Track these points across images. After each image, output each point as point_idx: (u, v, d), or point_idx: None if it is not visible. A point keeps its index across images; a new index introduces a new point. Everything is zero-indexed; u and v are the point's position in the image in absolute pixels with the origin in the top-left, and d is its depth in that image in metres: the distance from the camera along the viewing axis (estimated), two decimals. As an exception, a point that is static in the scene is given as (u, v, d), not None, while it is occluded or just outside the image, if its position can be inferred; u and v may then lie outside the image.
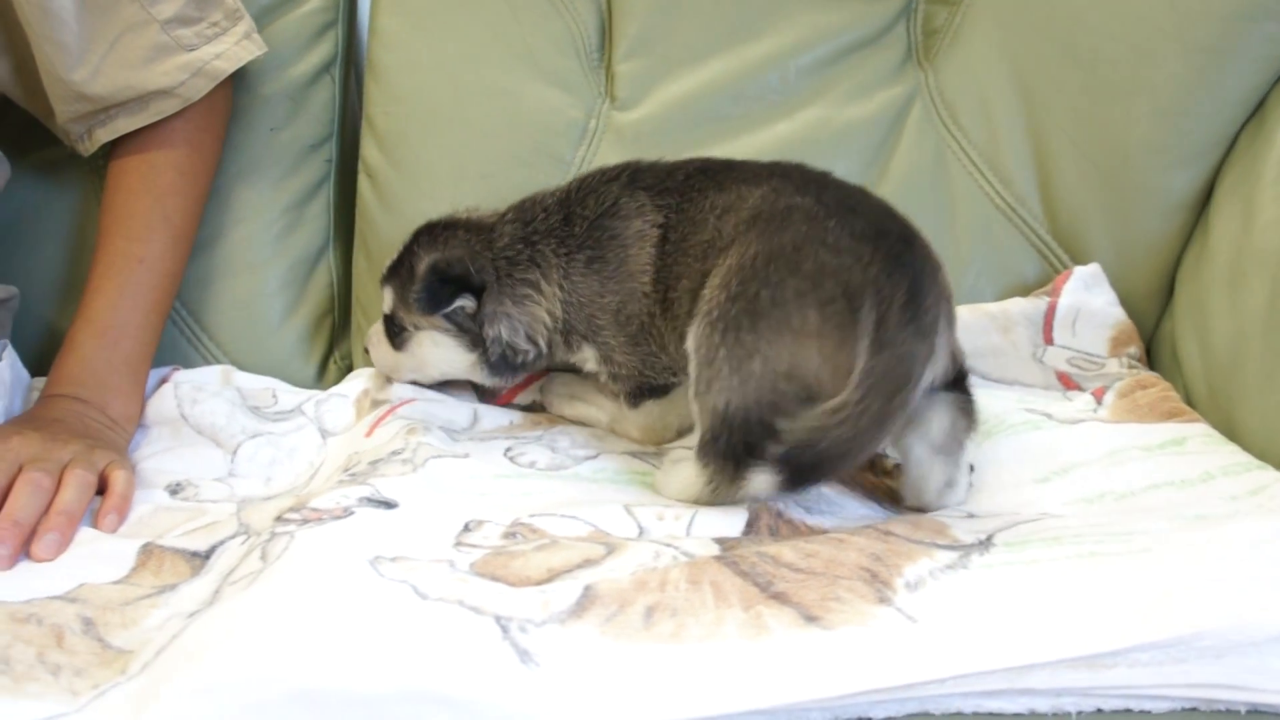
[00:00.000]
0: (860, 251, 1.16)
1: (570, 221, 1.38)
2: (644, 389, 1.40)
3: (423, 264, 1.39)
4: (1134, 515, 1.14)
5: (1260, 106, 1.48)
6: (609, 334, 1.37)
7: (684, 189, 1.35)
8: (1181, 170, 1.51)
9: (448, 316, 1.40)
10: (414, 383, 1.52)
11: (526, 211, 1.42)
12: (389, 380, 1.54)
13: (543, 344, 1.40)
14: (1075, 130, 1.55)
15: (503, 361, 1.42)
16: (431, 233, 1.44)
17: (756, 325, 1.15)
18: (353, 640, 0.93)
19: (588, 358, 1.41)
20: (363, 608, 0.98)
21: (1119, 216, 1.54)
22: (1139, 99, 1.51)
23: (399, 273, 1.44)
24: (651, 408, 1.42)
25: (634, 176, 1.39)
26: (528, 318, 1.39)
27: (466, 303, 1.39)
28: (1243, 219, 1.41)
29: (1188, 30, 1.48)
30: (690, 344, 1.20)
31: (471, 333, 1.41)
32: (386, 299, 1.46)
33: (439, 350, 1.44)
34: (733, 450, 1.16)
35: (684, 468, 1.24)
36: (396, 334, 1.46)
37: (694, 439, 1.21)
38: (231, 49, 1.54)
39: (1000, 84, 1.59)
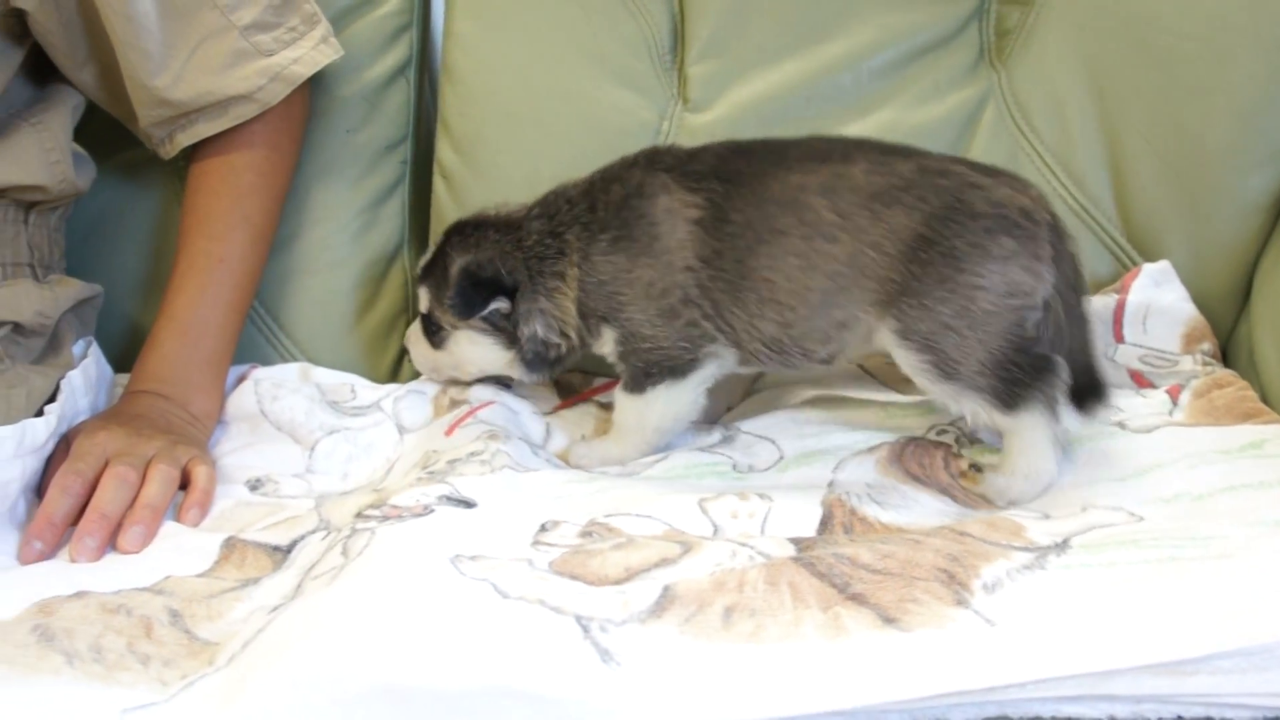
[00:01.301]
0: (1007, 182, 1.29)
1: (594, 208, 1.40)
2: (662, 367, 1.37)
3: (455, 267, 1.41)
4: (1213, 518, 1.13)
5: (1340, 106, 1.47)
6: (635, 309, 1.36)
7: (726, 172, 1.36)
8: (1259, 171, 1.50)
9: (483, 317, 1.43)
10: (454, 380, 1.56)
11: (551, 205, 1.44)
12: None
13: (573, 335, 1.42)
14: (1150, 131, 1.54)
15: (537, 358, 1.44)
16: (462, 233, 1.45)
17: (961, 272, 1.23)
18: (436, 637, 0.95)
19: (606, 341, 1.40)
20: (445, 605, 0.99)
21: (1195, 218, 1.53)
22: (1215, 99, 1.50)
23: (433, 273, 1.46)
24: (660, 393, 1.38)
25: (652, 159, 1.41)
26: (559, 311, 1.40)
27: (501, 305, 1.41)
28: (1323, 220, 1.40)
29: (1265, 29, 1.47)
30: (892, 346, 1.28)
31: (507, 331, 1.43)
32: (422, 299, 1.47)
33: (476, 349, 1.46)
34: (1032, 379, 1.24)
35: (1025, 432, 1.25)
36: (434, 333, 1.48)
37: (978, 417, 1.27)
38: (309, 53, 1.57)
39: (1073, 85, 1.58)
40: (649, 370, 1.38)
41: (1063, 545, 1.07)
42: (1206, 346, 1.49)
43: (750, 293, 1.33)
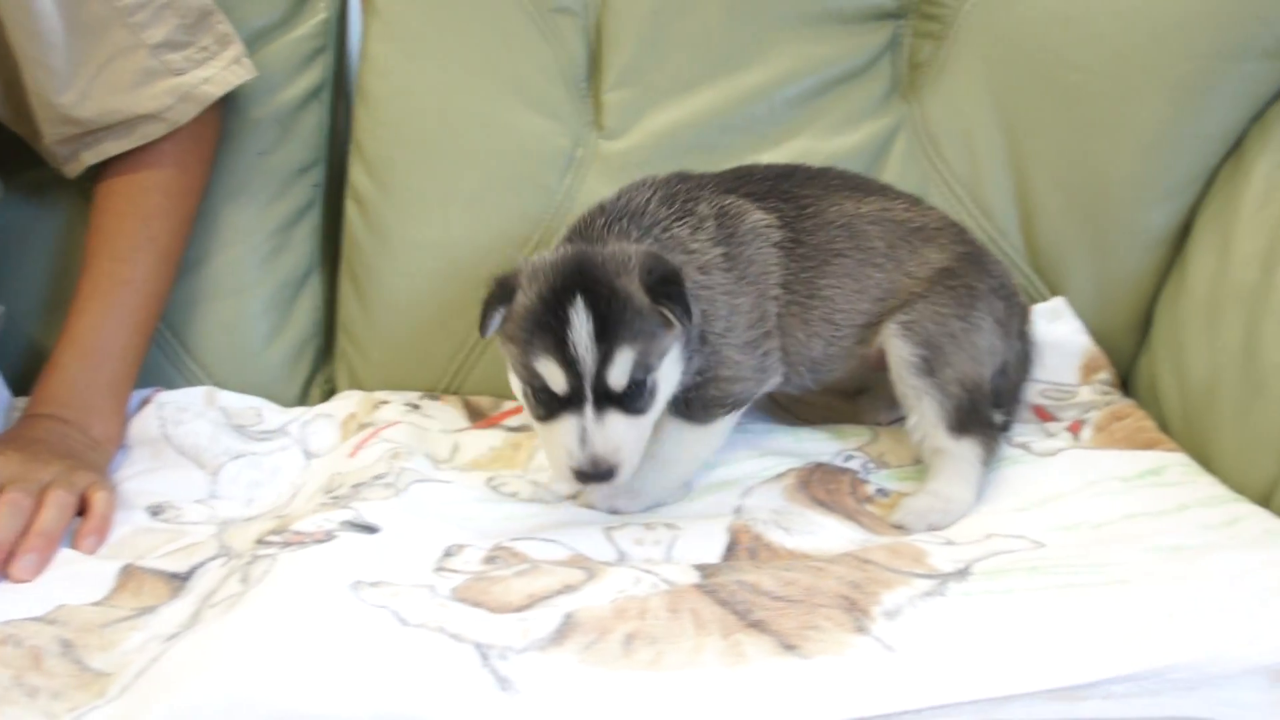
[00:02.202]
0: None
1: (695, 229, 1.32)
2: (737, 398, 1.34)
3: (659, 273, 1.21)
4: (1111, 545, 1.14)
5: (1239, 143, 1.50)
6: (734, 335, 1.32)
7: (782, 193, 1.38)
8: (1161, 206, 1.53)
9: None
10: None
11: (635, 221, 1.31)
12: (378, 404, 1.56)
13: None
14: (1057, 164, 1.56)
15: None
16: (601, 265, 1.22)
17: (973, 309, 1.35)
18: (332, 666, 0.94)
19: (692, 369, 1.29)
20: (343, 634, 0.98)
21: (1099, 250, 1.55)
22: (1119, 134, 1.53)
23: (624, 322, 1.19)
24: (724, 424, 1.35)
25: (693, 179, 1.39)
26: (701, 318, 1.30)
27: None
28: (1220, 254, 1.42)
29: (1169, 68, 1.50)
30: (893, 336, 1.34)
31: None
32: (623, 365, 1.19)
33: (675, 369, 1.26)
34: (985, 416, 1.34)
35: (959, 460, 1.31)
36: (640, 394, 1.22)
37: (927, 424, 1.32)
38: (220, 73, 1.55)
39: (984, 118, 1.61)
40: (724, 401, 1.33)
41: (964, 572, 1.08)
42: (1104, 376, 1.51)
43: (815, 312, 1.36)
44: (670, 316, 1.20)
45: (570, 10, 1.66)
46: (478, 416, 1.58)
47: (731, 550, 1.19)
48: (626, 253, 1.23)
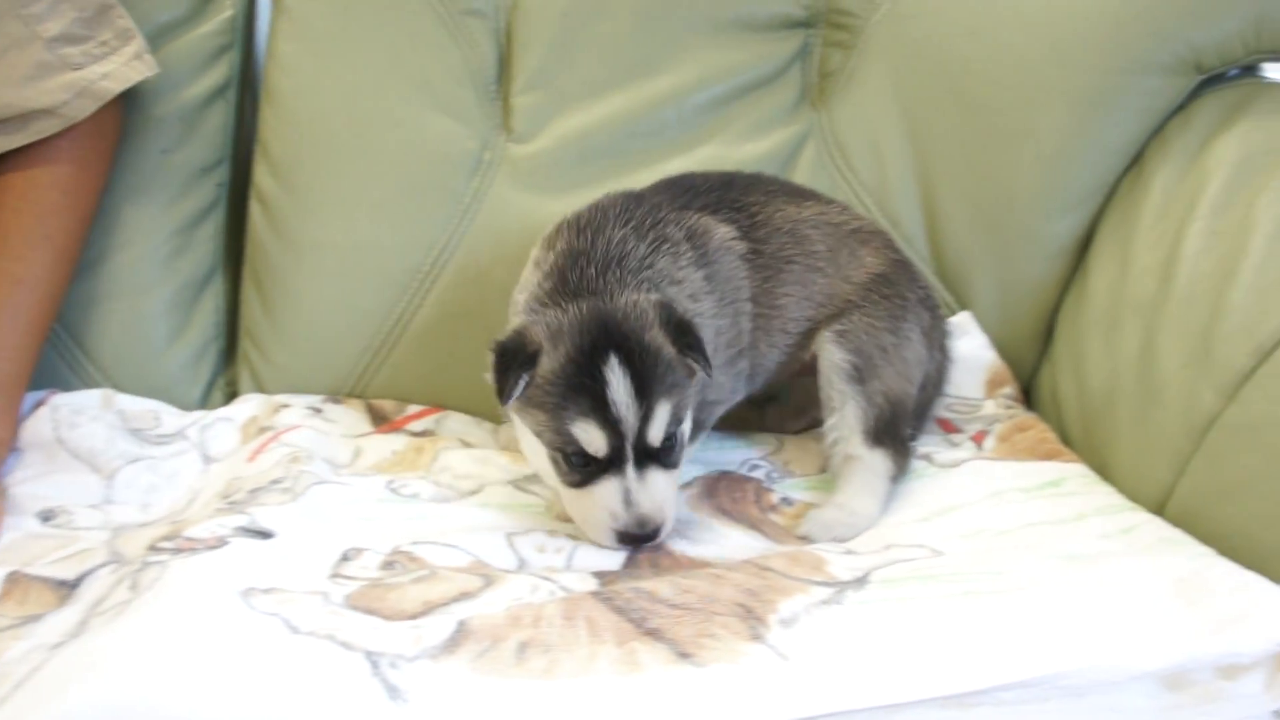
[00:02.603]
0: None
1: (678, 256, 1.31)
2: (714, 414, 1.36)
3: (675, 329, 1.20)
4: (1009, 553, 1.16)
5: (1139, 157, 1.53)
6: (719, 355, 1.31)
7: (730, 202, 1.39)
8: (1063, 217, 1.55)
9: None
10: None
11: (626, 264, 1.27)
12: (279, 407, 1.53)
13: None
14: (962, 175, 1.58)
15: None
16: (625, 320, 1.19)
17: (903, 321, 1.37)
18: (218, 675, 0.92)
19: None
20: (231, 641, 0.96)
21: (1002, 260, 1.57)
22: (1024, 147, 1.54)
23: (659, 377, 1.18)
24: (698, 441, 1.35)
25: (647, 198, 1.38)
26: None
27: None
28: (1120, 265, 1.44)
29: (1072, 81, 1.52)
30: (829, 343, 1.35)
31: None
32: (661, 420, 1.18)
33: (690, 415, 1.26)
34: (901, 431, 1.35)
35: (870, 471, 1.31)
36: (674, 447, 1.22)
37: (845, 427, 1.32)
38: (120, 69, 1.52)
39: (891, 127, 1.62)
40: (704, 424, 1.34)
41: (862, 580, 1.09)
42: (1008, 390, 1.53)
43: (774, 322, 1.37)
44: (695, 366, 1.20)
45: (481, 12, 1.65)
46: (381, 420, 1.56)
47: (633, 559, 1.19)
48: (641, 305, 1.21)
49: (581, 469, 1.18)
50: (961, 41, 1.58)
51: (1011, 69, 1.55)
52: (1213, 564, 1.10)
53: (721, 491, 1.35)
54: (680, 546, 1.21)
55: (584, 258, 1.26)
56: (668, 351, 1.19)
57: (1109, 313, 1.44)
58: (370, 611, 1.03)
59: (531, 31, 1.65)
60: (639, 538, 1.18)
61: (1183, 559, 1.12)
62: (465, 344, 1.60)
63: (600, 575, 1.11)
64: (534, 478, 1.40)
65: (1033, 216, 1.55)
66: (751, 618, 1.00)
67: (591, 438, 1.16)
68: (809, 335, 1.38)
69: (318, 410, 1.55)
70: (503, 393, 1.19)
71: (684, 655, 0.95)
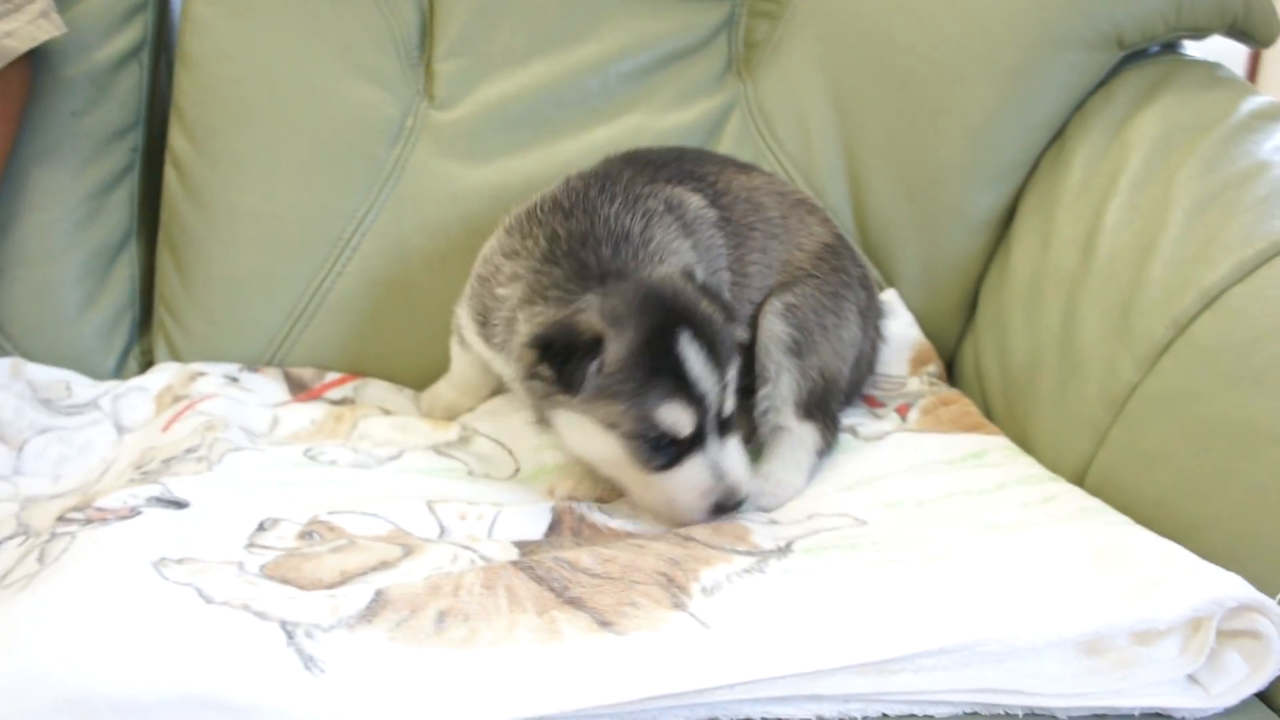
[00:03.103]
0: None
1: (668, 228, 1.29)
2: None
3: (714, 296, 1.21)
4: (931, 523, 1.16)
5: (1061, 131, 1.54)
6: None
7: (689, 173, 1.39)
8: (987, 190, 1.56)
9: None
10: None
11: (631, 241, 1.25)
12: (195, 375, 1.50)
13: None
14: (887, 147, 1.58)
15: None
16: (677, 294, 1.18)
17: (844, 298, 1.39)
18: (130, 646, 0.89)
19: None
20: (143, 612, 0.94)
21: (927, 233, 1.58)
22: (949, 120, 1.55)
23: (724, 346, 1.18)
24: None
25: (614, 165, 1.38)
26: None
27: None
28: (1042, 239, 1.46)
29: (996, 55, 1.52)
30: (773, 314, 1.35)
31: None
32: (732, 389, 1.19)
33: None
34: (832, 407, 1.36)
35: (798, 443, 1.31)
36: (734, 413, 1.21)
37: (779, 398, 1.33)
38: (24, 27, 1.47)
39: (817, 99, 1.62)
40: None
41: (785, 549, 1.09)
42: (932, 368, 1.54)
43: (744, 291, 1.36)
44: (737, 330, 1.21)
45: (404, -23, 1.63)
46: (299, 389, 1.54)
47: (555, 528, 1.18)
48: (675, 278, 1.19)
49: (666, 452, 1.15)
50: (888, 14, 1.58)
51: (937, 43, 1.55)
52: (1130, 532, 1.12)
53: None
54: (600, 519, 1.20)
55: (591, 238, 1.23)
56: (719, 319, 1.18)
57: (1031, 286, 1.45)
58: (286, 581, 1.01)
59: (455, -2, 1.63)
60: (730, 507, 1.17)
61: (1101, 528, 1.13)
62: (386, 312, 1.59)
63: (521, 545, 1.10)
64: (456, 443, 1.39)
65: (957, 190, 1.56)
66: (673, 586, 0.99)
67: (678, 418, 1.13)
68: (759, 306, 1.37)
69: (234, 379, 1.52)
70: (572, 385, 1.13)
71: (605, 624, 0.94)
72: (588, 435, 1.17)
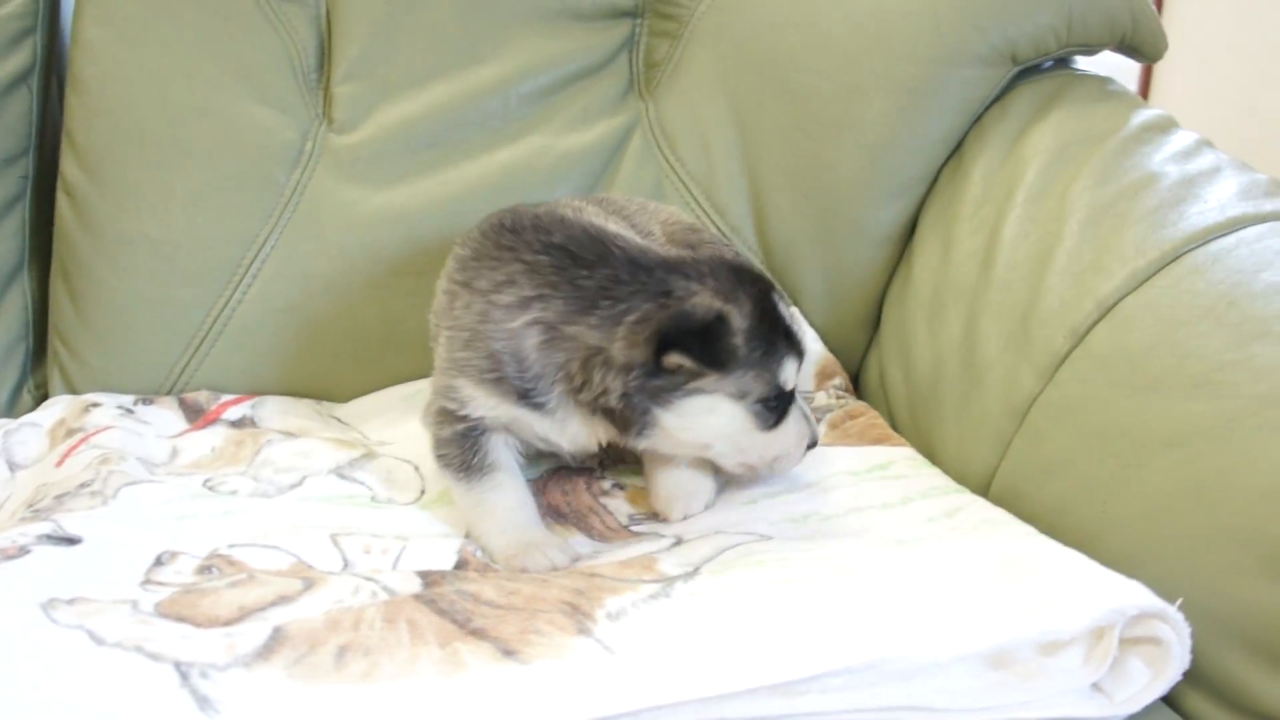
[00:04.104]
0: None
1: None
2: None
3: None
4: (836, 538, 1.16)
5: (959, 146, 1.55)
6: None
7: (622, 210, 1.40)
8: (888, 205, 1.56)
9: None
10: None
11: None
12: (88, 407, 1.47)
13: None
14: (788, 164, 1.59)
15: None
16: (742, 262, 1.28)
17: None
18: (16, 691, 0.87)
19: None
20: (30, 656, 0.91)
21: (829, 248, 1.58)
22: (848, 136, 1.56)
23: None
24: None
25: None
26: None
27: None
28: (942, 252, 1.47)
29: (894, 71, 1.54)
30: None
31: None
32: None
33: None
34: None
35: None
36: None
37: None
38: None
39: (718, 117, 1.62)
40: None
41: (693, 573, 1.08)
42: (838, 381, 1.55)
43: None
44: None
45: (300, -2, 1.61)
46: (196, 415, 1.51)
47: (460, 568, 1.16)
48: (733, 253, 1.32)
49: (780, 409, 1.20)
50: (786, 33, 1.59)
51: (835, 60, 1.56)
52: (1033, 543, 1.12)
53: (553, 488, 1.33)
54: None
55: (620, 241, 1.22)
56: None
57: (933, 299, 1.46)
58: (182, 619, 0.98)
59: (352, 19, 1.61)
60: (815, 445, 1.26)
61: (1005, 539, 1.14)
62: (288, 340, 1.57)
63: (425, 576, 1.08)
64: (360, 461, 1.37)
65: (858, 205, 1.57)
66: (578, 613, 0.98)
67: (791, 373, 1.20)
68: None
69: (129, 410, 1.48)
70: (727, 361, 1.15)
71: (508, 652, 0.93)
72: (713, 414, 1.17)
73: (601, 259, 1.18)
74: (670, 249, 1.27)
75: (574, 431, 1.22)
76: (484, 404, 1.22)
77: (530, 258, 1.20)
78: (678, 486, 1.27)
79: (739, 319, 1.15)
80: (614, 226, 1.28)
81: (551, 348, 1.17)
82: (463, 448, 1.24)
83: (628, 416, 1.17)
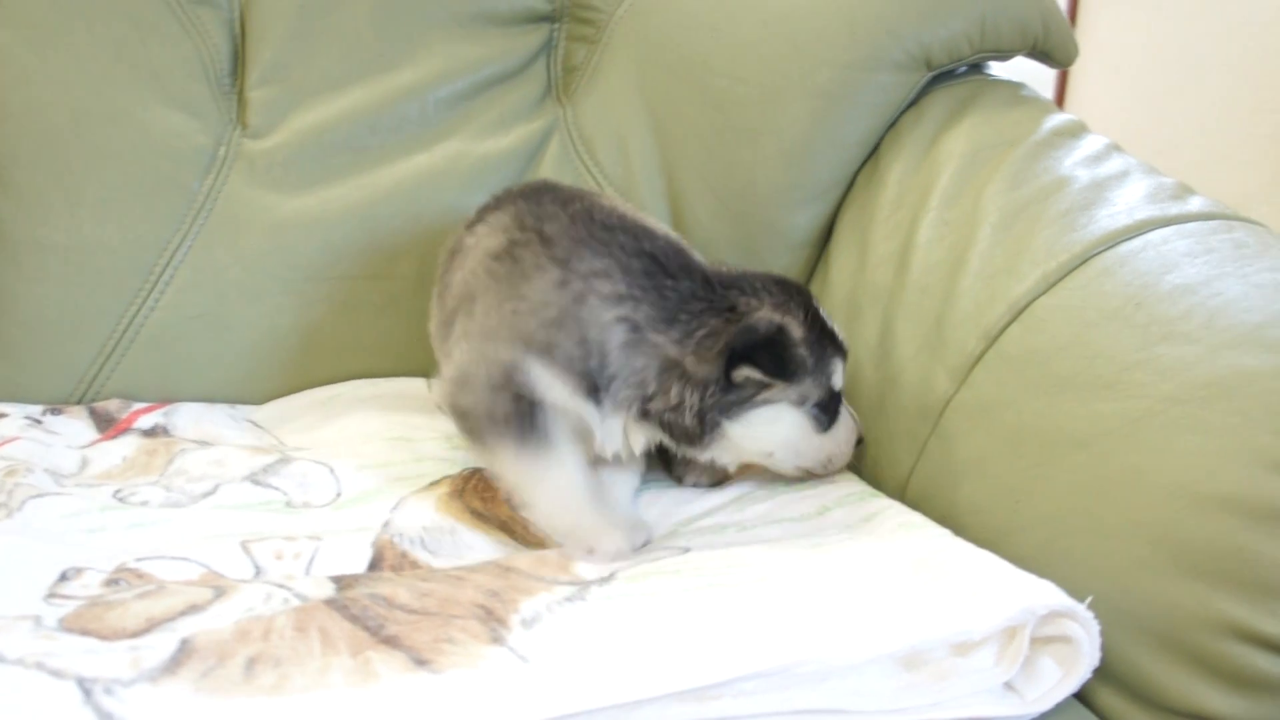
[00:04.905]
0: None
1: None
2: None
3: None
4: (754, 547, 1.16)
5: (875, 150, 1.56)
6: None
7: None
8: (805, 209, 1.57)
9: None
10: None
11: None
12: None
13: None
14: (706, 169, 1.59)
15: None
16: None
17: None
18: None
19: None
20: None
21: (747, 252, 1.58)
22: (766, 140, 1.56)
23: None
24: None
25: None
26: None
27: None
28: (859, 255, 1.48)
29: (810, 76, 1.54)
30: None
31: None
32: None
33: None
34: None
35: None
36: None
37: None
38: None
39: (636, 122, 1.62)
40: None
41: (608, 578, 1.08)
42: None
43: None
44: None
45: (213, 2, 1.59)
46: (107, 424, 1.48)
47: (376, 566, 1.15)
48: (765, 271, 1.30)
49: (832, 409, 1.25)
50: (703, 37, 1.59)
51: (752, 64, 1.57)
52: (947, 544, 1.13)
53: (471, 492, 1.32)
54: (424, 557, 1.17)
55: (696, 256, 1.28)
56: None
57: (850, 302, 1.47)
58: (87, 633, 0.96)
59: (266, 23, 1.59)
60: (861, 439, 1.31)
61: (919, 541, 1.14)
62: (202, 347, 1.55)
63: (338, 580, 1.07)
64: (274, 466, 1.35)
65: (775, 209, 1.57)
66: (492, 619, 0.98)
67: (840, 374, 1.25)
68: None
69: (37, 421, 1.45)
70: (796, 371, 1.20)
71: (421, 662, 0.92)
72: (778, 423, 1.22)
73: (684, 271, 1.22)
74: (725, 265, 1.30)
75: (614, 434, 1.23)
76: (554, 390, 1.19)
77: (624, 259, 1.21)
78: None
79: (797, 329, 1.20)
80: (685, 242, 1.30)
81: (634, 350, 1.18)
82: (521, 416, 1.19)
83: (697, 430, 1.20)
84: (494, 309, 1.22)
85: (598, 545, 1.14)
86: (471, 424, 1.22)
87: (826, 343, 1.23)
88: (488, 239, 1.29)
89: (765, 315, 1.20)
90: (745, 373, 1.18)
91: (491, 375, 1.19)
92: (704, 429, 1.20)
